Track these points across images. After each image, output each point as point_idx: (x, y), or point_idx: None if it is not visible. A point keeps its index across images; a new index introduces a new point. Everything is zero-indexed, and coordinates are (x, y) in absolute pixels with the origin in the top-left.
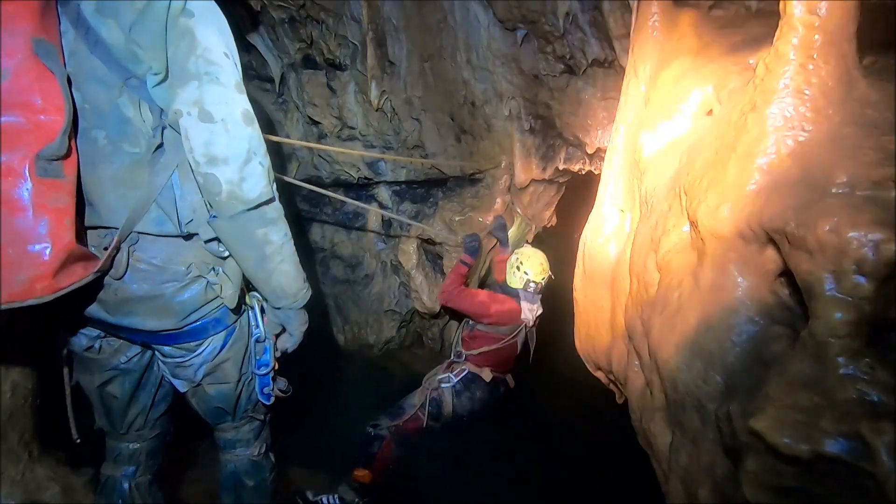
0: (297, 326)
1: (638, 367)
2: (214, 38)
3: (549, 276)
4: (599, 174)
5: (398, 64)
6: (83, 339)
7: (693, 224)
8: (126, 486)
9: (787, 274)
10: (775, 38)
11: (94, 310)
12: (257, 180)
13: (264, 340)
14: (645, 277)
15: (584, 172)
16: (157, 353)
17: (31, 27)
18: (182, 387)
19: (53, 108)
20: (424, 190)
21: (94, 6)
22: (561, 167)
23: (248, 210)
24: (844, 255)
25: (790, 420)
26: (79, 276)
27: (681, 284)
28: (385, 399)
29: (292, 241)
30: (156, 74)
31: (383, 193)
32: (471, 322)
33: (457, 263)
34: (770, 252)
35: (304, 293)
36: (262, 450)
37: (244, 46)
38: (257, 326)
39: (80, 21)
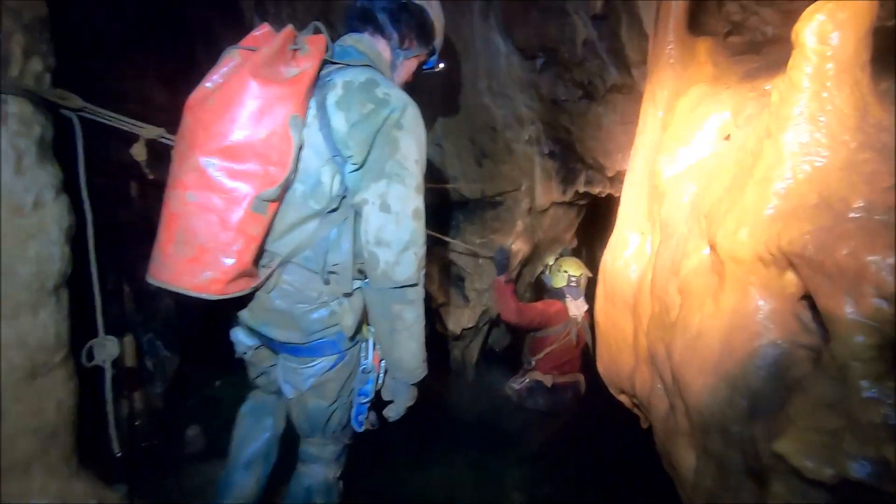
0: (404, 400)
1: (661, 391)
2: (413, 147)
3: (588, 275)
4: (619, 197)
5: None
6: (244, 346)
7: (713, 247)
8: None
9: (808, 297)
10: (788, 67)
11: (244, 314)
12: (408, 266)
13: (370, 372)
14: (666, 300)
15: (604, 195)
16: (282, 359)
17: (293, 106)
18: (290, 392)
19: (282, 164)
20: (445, 212)
21: (335, 99)
22: (581, 190)
23: (394, 288)
24: (863, 279)
25: (814, 442)
26: (241, 287)
27: (702, 307)
28: (405, 423)
29: (423, 324)
30: (354, 164)
31: None
32: (532, 332)
33: (497, 284)
34: (790, 276)
35: (420, 372)
36: (337, 475)
37: None
38: (366, 358)
39: (322, 106)
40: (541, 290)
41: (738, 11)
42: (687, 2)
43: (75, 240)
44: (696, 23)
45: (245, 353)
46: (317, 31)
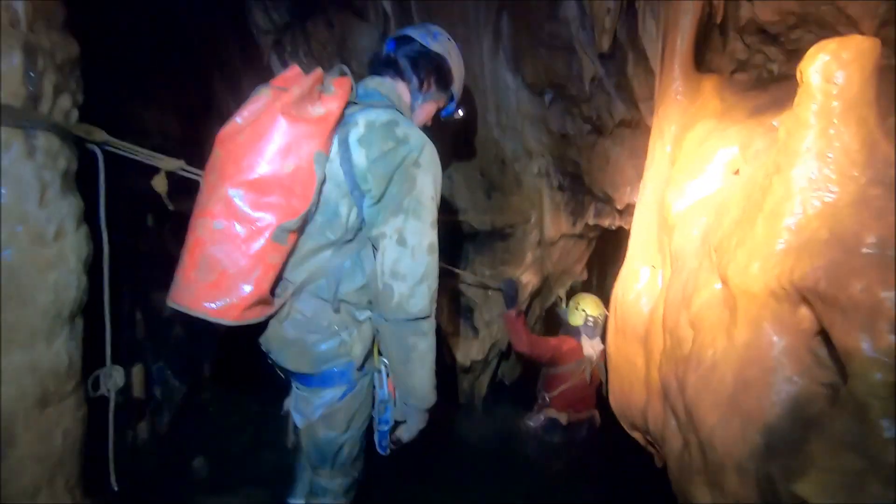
0: (416, 424)
1: (675, 427)
2: (429, 185)
3: (605, 314)
4: (629, 229)
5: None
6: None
7: (724, 281)
8: None
9: (822, 333)
10: (795, 104)
11: (263, 340)
12: (422, 298)
13: (388, 401)
14: (678, 334)
15: (614, 228)
16: (293, 386)
17: (319, 143)
18: (300, 421)
19: (304, 198)
20: (455, 244)
21: (357, 136)
22: (591, 222)
23: (408, 320)
24: (879, 315)
25: (835, 484)
26: (257, 314)
27: (714, 342)
28: (413, 458)
29: (434, 354)
30: (373, 198)
31: None
32: (544, 367)
33: (507, 317)
34: (804, 311)
35: (431, 398)
36: None
37: None
38: (381, 388)
39: (344, 142)
40: (553, 322)
41: (743, 50)
42: (692, 41)
43: (92, 268)
44: (701, 60)
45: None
46: (342, 74)
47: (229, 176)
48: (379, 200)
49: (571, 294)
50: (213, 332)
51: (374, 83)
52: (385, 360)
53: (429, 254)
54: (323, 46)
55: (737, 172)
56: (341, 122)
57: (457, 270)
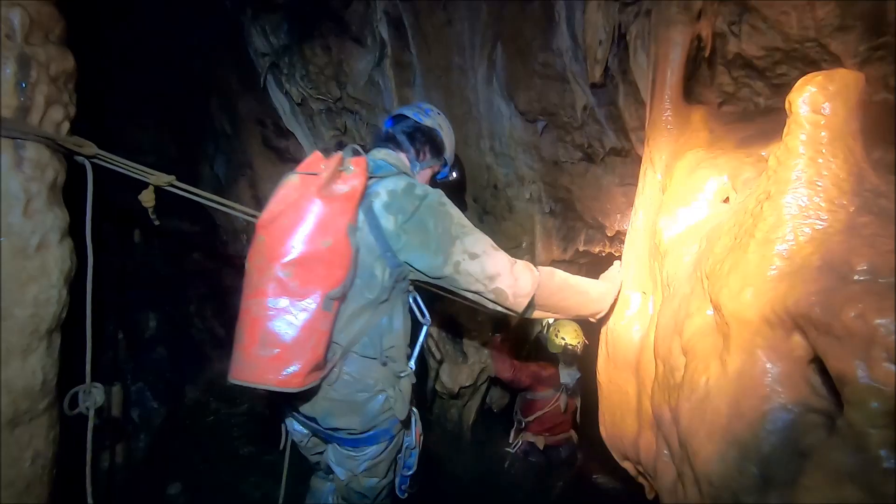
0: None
1: (668, 458)
2: (456, 212)
3: (584, 342)
4: (619, 256)
5: None
6: (298, 434)
7: (717, 308)
8: None
9: (817, 360)
10: (784, 134)
11: (307, 408)
12: (525, 277)
13: (414, 448)
14: (671, 361)
15: (604, 254)
16: (333, 445)
17: (349, 218)
18: (343, 475)
19: (343, 267)
20: None
21: (381, 204)
22: (581, 248)
23: (531, 302)
24: (874, 343)
25: None
26: (314, 378)
27: (707, 369)
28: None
29: (578, 281)
30: (419, 250)
31: None
32: (521, 392)
33: (494, 342)
34: (797, 338)
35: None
36: None
37: (283, 133)
38: (410, 436)
39: (369, 211)
40: (540, 348)
41: (731, 83)
42: (681, 73)
43: (74, 284)
44: (690, 92)
45: (301, 441)
46: (356, 153)
47: (277, 257)
48: (427, 249)
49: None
50: (197, 356)
51: (382, 155)
52: (415, 409)
53: (497, 250)
54: (320, 70)
55: (726, 200)
56: (363, 194)
57: (445, 293)
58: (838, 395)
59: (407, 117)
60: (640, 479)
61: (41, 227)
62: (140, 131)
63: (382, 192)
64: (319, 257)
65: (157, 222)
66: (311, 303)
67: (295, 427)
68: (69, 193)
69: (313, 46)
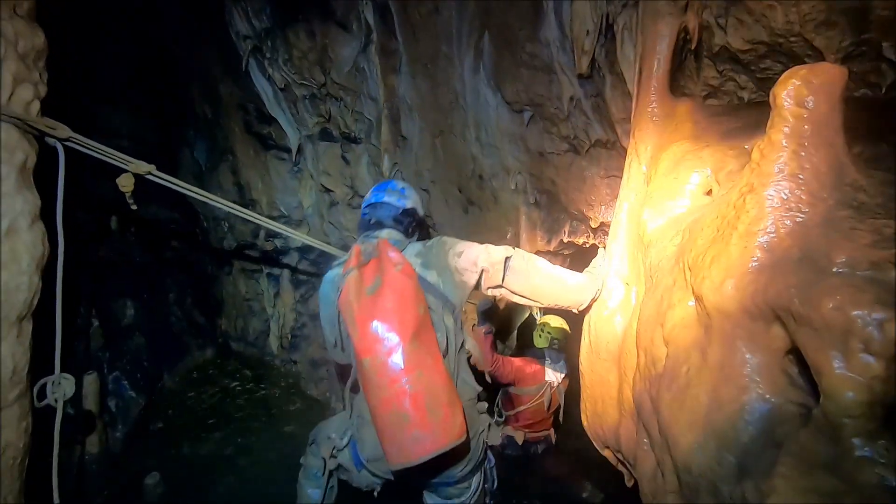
0: None
1: (648, 447)
2: (463, 243)
3: (567, 332)
4: (603, 247)
5: (410, 139)
6: (369, 481)
7: (698, 299)
8: None
9: (795, 352)
10: (768, 127)
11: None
12: (497, 248)
13: (493, 465)
14: (652, 351)
15: (588, 245)
16: (434, 493)
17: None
18: None
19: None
20: None
21: (420, 264)
22: (565, 240)
23: (506, 263)
24: (851, 334)
25: None
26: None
27: (689, 359)
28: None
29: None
30: (471, 279)
31: None
32: (505, 387)
33: (478, 334)
34: (777, 329)
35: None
36: None
37: (265, 119)
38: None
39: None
40: (525, 341)
41: (716, 76)
42: (668, 65)
43: (46, 270)
44: (676, 85)
45: (372, 489)
46: (379, 238)
47: (401, 335)
48: (471, 273)
49: (545, 312)
50: (176, 345)
51: (385, 234)
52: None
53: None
54: (304, 55)
55: (709, 193)
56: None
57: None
58: (815, 386)
59: (388, 204)
60: (620, 467)
61: (10, 211)
62: (117, 115)
63: (412, 257)
64: (422, 322)
65: (134, 207)
66: (438, 359)
67: (373, 479)
68: (43, 178)
69: (297, 30)
